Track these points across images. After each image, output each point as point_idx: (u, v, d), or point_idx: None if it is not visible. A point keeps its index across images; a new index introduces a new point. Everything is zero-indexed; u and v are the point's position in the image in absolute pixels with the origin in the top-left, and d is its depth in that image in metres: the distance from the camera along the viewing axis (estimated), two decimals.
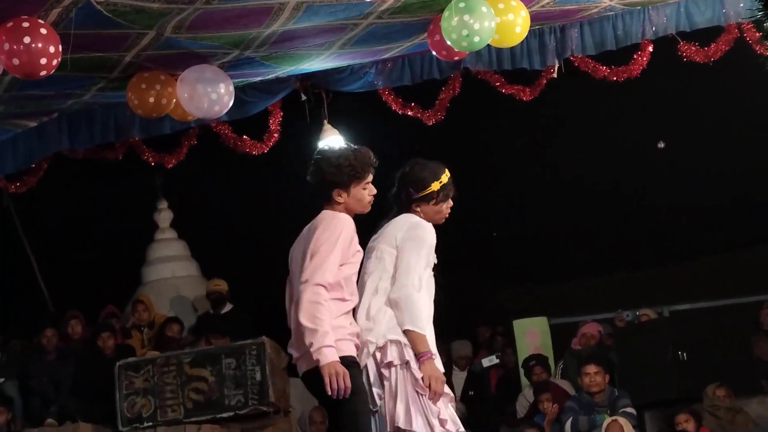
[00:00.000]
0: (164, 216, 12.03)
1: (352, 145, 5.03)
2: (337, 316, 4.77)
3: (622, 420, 8.56)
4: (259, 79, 8.84)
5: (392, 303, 4.85)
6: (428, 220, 5.00)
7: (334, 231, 4.79)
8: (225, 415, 9.55)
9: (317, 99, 9.24)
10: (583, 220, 12.14)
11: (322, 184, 4.91)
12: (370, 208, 4.97)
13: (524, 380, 10.22)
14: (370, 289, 4.94)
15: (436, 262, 5.03)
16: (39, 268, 11.80)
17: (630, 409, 8.91)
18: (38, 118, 9.00)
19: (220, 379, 9.61)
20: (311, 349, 4.64)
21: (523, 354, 10.52)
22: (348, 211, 4.94)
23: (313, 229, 4.85)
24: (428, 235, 4.96)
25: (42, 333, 10.47)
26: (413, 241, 4.92)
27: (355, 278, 4.89)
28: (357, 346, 4.82)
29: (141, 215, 12.01)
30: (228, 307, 11.18)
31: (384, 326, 4.84)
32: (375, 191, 4.95)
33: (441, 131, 9.15)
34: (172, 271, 11.88)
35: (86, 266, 12.04)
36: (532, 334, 10.83)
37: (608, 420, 8.60)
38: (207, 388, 9.64)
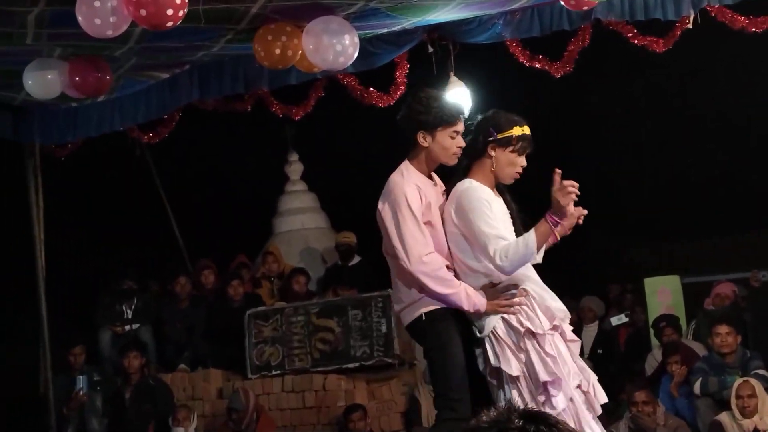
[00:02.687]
0: (295, 168, 12.16)
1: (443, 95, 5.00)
2: None
3: (753, 381, 8.32)
4: (385, 30, 8.78)
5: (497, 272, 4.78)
6: (498, 173, 4.86)
7: (400, 199, 4.73)
8: (351, 365, 9.66)
9: (444, 51, 9.13)
10: (720, 176, 11.79)
11: (409, 124, 4.86)
12: (456, 160, 4.88)
13: (654, 340, 10.03)
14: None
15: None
16: (174, 216, 12.08)
17: (762, 371, 8.64)
18: (170, 69, 9.15)
19: (347, 330, 9.71)
20: (467, 309, 4.71)
21: (653, 313, 10.31)
22: (431, 159, 4.86)
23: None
24: (480, 192, 4.82)
25: (176, 280, 10.75)
26: (469, 210, 4.79)
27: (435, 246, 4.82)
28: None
29: (272, 167, 12.16)
30: (356, 259, 11.27)
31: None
32: (463, 143, 4.86)
33: (569, 84, 8.95)
34: (302, 223, 12.02)
35: (219, 216, 12.29)
36: (663, 293, 10.60)
37: (739, 381, 8.36)
38: (333, 338, 9.76)
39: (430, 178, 4.97)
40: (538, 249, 4.76)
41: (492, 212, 4.79)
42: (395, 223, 4.72)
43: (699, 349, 9.53)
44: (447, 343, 4.77)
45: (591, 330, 10.85)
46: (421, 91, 4.96)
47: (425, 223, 4.76)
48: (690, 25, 8.56)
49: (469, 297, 4.71)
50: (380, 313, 9.59)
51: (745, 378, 8.41)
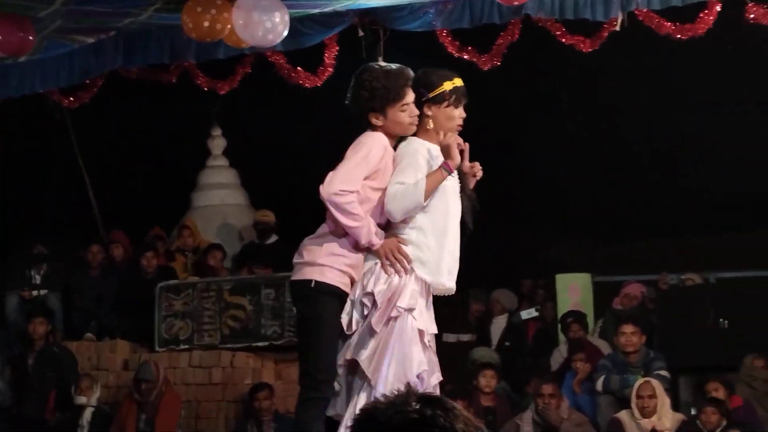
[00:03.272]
0: (218, 143, 12.06)
1: (391, 65, 4.95)
2: (342, 245, 4.79)
3: (654, 382, 8.49)
4: (317, 11, 8.76)
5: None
6: (439, 128, 4.89)
7: (364, 145, 4.77)
8: (260, 344, 9.65)
9: (374, 36, 9.13)
10: (636, 180, 11.98)
11: (358, 109, 4.86)
12: (413, 129, 4.90)
13: (561, 336, 10.17)
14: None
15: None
16: (90, 183, 11.90)
17: (664, 372, 8.82)
18: (96, 34, 9.02)
19: (258, 308, 9.69)
20: (363, 242, 4.72)
21: (563, 309, 10.46)
22: (388, 134, 4.88)
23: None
24: (417, 147, 4.87)
25: (88, 249, 10.62)
26: (397, 164, 4.84)
27: (378, 208, 4.84)
28: (351, 280, 4.82)
29: (195, 140, 12.05)
30: (273, 238, 11.22)
31: None
32: (416, 111, 4.86)
33: (496, 77, 9.01)
34: (221, 199, 11.93)
35: (137, 186, 12.15)
36: (574, 290, 10.76)
37: (641, 381, 8.52)
38: (244, 316, 9.73)
39: None
40: (429, 193, 4.76)
41: (419, 164, 4.82)
42: (346, 157, 4.77)
43: (604, 347, 9.70)
44: (326, 322, 4.75)
45: (500, 322, 10.97)
46: (362, 72, 4.91)
47: (377, 189, 4.79)
48: (618, 28, 8.67)
49: (369, 233, 4.73)
50: None
51: (646, 378, 8.57)
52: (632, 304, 10.18)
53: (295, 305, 5.08)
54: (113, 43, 9.06)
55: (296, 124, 11.51)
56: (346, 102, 4.93)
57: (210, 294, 9.87)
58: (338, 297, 4.79)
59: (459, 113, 4.93)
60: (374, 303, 4.75)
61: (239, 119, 11.77)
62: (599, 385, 8.91)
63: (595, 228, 12.22)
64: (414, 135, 4.94)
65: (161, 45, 8.91)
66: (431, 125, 4.89)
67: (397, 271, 4.77)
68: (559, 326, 10.17)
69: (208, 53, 8.94)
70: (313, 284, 4.77)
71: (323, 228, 4.87)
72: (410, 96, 4.85)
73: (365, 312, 4.78)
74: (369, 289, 4.77)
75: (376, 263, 4.81)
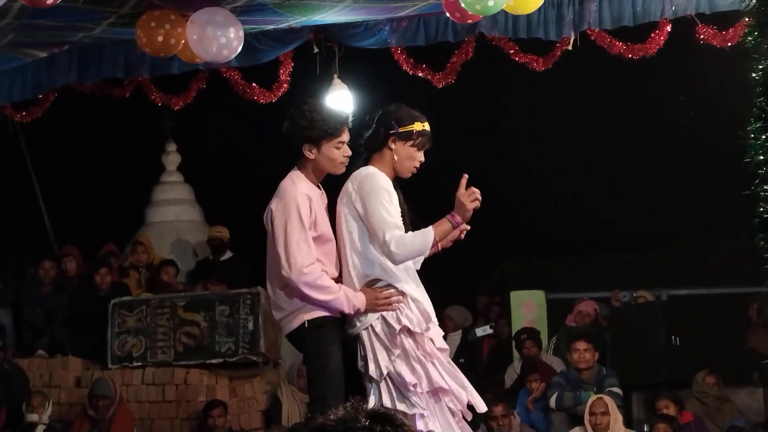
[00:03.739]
0: (172, 159, 12.01)
1: (330, 106, 5.03)
2: None
3: (607, 399, 8.53)
4: (272, 27, 8.76)
5: (386, 259, 4.82)
6: (397, 166, 4.91)
7: (291, 208, 4.75)
8: (214, 361, 9.59)
9: (329, 52, 9.16)
10: (590, 197, 12.07)
11: (294, 137, 4.86)
12: (343, 169, 4.93)
13: (516, 353, 10.21)
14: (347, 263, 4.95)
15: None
16: (43, 198, 11.80)
17: (616, 389, 8.88)
18: (49, 49, 8.95)
19: (213, 325, 9.63)
20: (347, 311, 4.77)
21: (517, 326, 10.52)
22: (318, 169, 4.90)
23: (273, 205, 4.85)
24: (382, 181, 4.88)
25: (40, 264, 10.51)
26: (370, 194, 4.85)
27: (323, 257, 4.87)
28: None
29: (149, 156, 11.99)
30: (228, 254, 11.19)
31: None
32: (349, 153, 4.90)
33: (450, 95, 9.06)
34: (175, 215, 11.87)
35: (90, 202, 12.06)
36: (528, 307, 10.81)
37: (594, 397, 8.57)
38: (199, 333, 9.67)
39: (318, 188, 4.99)
40: (433, 246, 4.81)
41: (391, 202, 4.84)
42: (283, 231, 4.74)
43: (557, 363, 9.75)
44: (327, 350, 4.81)
45: (454, 339, 10.98)
46: (303, 104, 4.96)
47: (315, 238, 4.80)
48: (570, 47, 8.76)
49: (348, 299, 4.77)
50: (248, 310, 9.54)
51: (599, 395, 8.62)
52: (585, 321, 10.24)
53: (300, 350, 5.10)
54: (66, 58, 9.00)
55: (251, 140, 11.50)
56: (283, 130, 4.93)
57: (164, 310, 9.80)
58: (332, 323, 4.85)
59: (420, 156, 4.99)
60: (406, 334, 4.79)
61: (194, 135, 11.74)
62: (552, 402, 8.95)
63: (549, 245, 12.30)
64: (368, 164, 4.96)
65: (115, 59, 8.87)
66: (393, 159, 4.91)
67: (394, 309, 4.80)
68: (513, 343, 10.21)
69: (162, 68, 8.91)
70: (306, 325, 4.84)
71: (271, 278, 4.91)
72: (346, 136, 4.90)
73: (399, 346, 4.80)
74: (402, 324, 4.78)
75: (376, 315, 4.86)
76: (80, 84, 9.32)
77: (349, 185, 4.92)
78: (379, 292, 4.81)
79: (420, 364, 4.75)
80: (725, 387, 9.14)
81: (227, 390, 9.63)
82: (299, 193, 4.77)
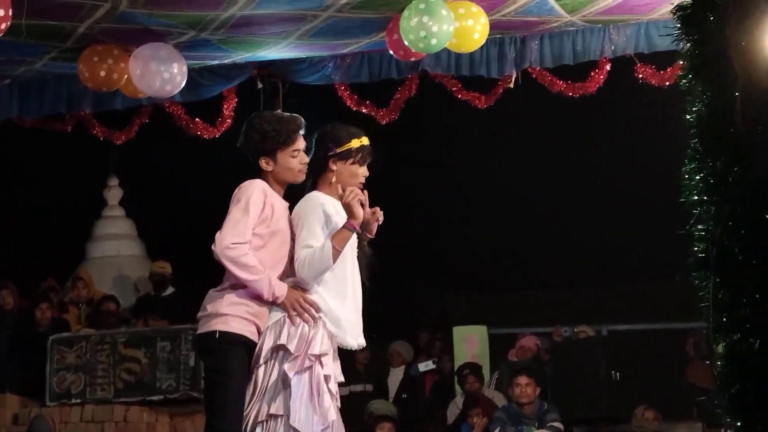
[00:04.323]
0: (114, 193, 11.93)
1: (284, 113, 5.00)
2: (244, 294, 4.75)
3: None
4: (216, 62, 8.80)
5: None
6: (342, 184, 4.90)
7: (243, 195, 4.76)
8: (155, 398, 9.49)
9: (273, 88, 9.20)
10: (530, 234, 12.18)
11: (250, 152, 4.87)
12: (303, 177, 4.91)
13: (458, 388, 10.23)
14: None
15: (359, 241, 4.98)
16: None
17: (557, 424, 8.91)
18: None
19: (154, 361, 9.55)
20: (266, 297, 4.70)
21: (460, 361, 10.53)
22: (279, 180, 4.89)
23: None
24: (320, 202, 4.89)
25: None
26: (299, 218, 4.87)
27: (272, 254, 4.82)
28: (257, 328, 4.78)
29: (90, 190, 11.90)
30: (170, 290, 11.10)
31: None
32: (306, 159, 4.88)
33: (394, 131, 9.13)
34: (117, 250, 11.78)
35: (30, 237, 11.92)
36: (470, 342, 10.85)
37: None
38: (139, 369, 9.58)
39: (283, 200, 4.99)
40: (337, 254, 4.78)
41: (323, 224, 4.85)
42: (228, 213, 4.74)
43: (500, 399, 9.78)
44: (233, 372, 4.67)
45: (397, 374, 10.98)
46: (255, 117, 4.97)
47: (270, 233, 4.78)
48: (512, 85, 8.89)
49: (271, 285, 4.72)
50: (189, 347, 9.46)
51: (540, 430, 8.66)
52: (527, 355, 10.29)
53: (200, 358, 5.07)
54: (7, 92, 8.97)
55: (194, 175, 11.46)
56: (238, 145, 4.95)
57: (104, 346, 9.70)
58: (244, 345, 4.73)
59: (363, 171, 4.98)
60: (285, 355, 4.72)
61: (136, 169, 11.68)
62: None
63: (491, 281, 12.38)
64: (315, 189, 4.97)
65: (58, 94, 8.84)
66: (334, 180, 4.92)
67: (305, 321, 4.76)
68: (456, 378, 10.23)
69: (105, 103, 8.90)
70: (217, 335, 4.71)
71: (224, 282, 4.83)
72: (301, 143, 4.89)
73: (276, 365, 4.74)
74: (281, 341, 4.74)
75: (283, 314, 4.81)
76: (20, 118, 9.25)
77: (295, 210, 4.94)
78: (304, 298, 4.77)
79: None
80: (664, 421, 9.23)
81: (168, 427, 9.53)
82: (257, 186, 4.79)
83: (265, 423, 4.73)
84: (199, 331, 4.82)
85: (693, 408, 9.63)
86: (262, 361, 4.76)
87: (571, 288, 11.95)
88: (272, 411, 4.69)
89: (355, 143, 4.94)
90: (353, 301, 4.92)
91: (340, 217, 4.88)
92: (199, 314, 4.84)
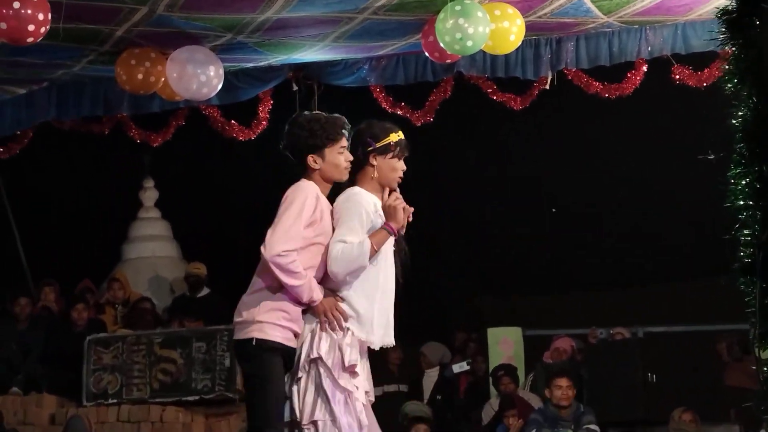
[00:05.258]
0: (149, 195, 12.00)
1: (321, 113, 5.02)
2: (280, 299, 4.79)
3: None
4: (251, 65, 8.83)
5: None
6: (382, 179, 4.97)
7: (296, 197, 4.78)
8: (190, 398, 9.53)
9: (308, 90, 9.23)
10: (566, 235, 12.13)
11: (296, 151, 4.87)
12: (347, 175, 4.94)
13: (493, 389, 10.21)
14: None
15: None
16: (20, 235, 11.75)
17: (594, 426, 8.88)
18: (28, 85, 8.98)
19: (189, 362, 9.60)
20: (305, 300, 4.74)
21: (494, 362, 10.50)
22: (325, 178, 4.93)
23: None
24: (361, 200, 4.93)
25: (16, 301, 10.44)
26: (341, 214, 4.89)
27: (312, 258, 4.83)
28: (294, 334, 4.83)
29: (126, 192, 11.97)
30: (205, 291, 11.15)
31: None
32: (351, 157, 4.91)
33: (429, 133, 9.13)
34: (152, 251, 11.85)
35: (67, 238, 12.01)
36: (505, 344, 10.82)
37: None
38: (175, 369, 9.63)
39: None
40: (374, 254, 4.84)
41: (363, 220, 4.88)
42: (280, 216, 4.75)
43: (535, 401, 9.75)
44: (271, 378, 4.73)
45: (432, 376, 10.97)
46: (299, 116, 4.99)
47: (315, 236, 4.81)
48: (547, 86, 8.86)
49: (310, 289, 4.77)
50: (225, 347, 9.51)
51: None
52: (562, 357, 10.25)
53: (239, 364, 5.09)
54: (46, 95, 9.03)
55: (229, 177, 11.51)
56: (281, 146, 4.94)
57: (140, 347, 9.76)
58: (281, 352, 4.79)
59: (401, 165, 5.04)
60: (321, 365, 4.80)
61: (172, 171, 11.74)
62: None
63: (526, 282, 12.34)
64: (354, 185, 5.00)
65: (95, 97, 8.90)
66: (375, 175, 4.97)
67: (332, 329, 4.81)
68: (491, 380, 10.21)
69: (142, 106, 8.95)
70: (254, 342, 4.76)
71: (258, 283, 4.85)
72: (345, 141, 4.92)
73: (313, 374, 4.82)
74: (315, 354, 4.80)
75: (316, 323, 4.85)
76: (59, 121, 9.33)
77: (334, 207, 4.98)
78: (336, 307, 4.81)
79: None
80: (702, 424, 9.16)
81: (203, 427, 9.57)
82: (311, 191, 4.81)
83: (307, 429, 4.80)
84: (236, 337, 4.87)
85: (730, 411, 9.57)
86: (300, 371, 4.84)
87: (607, 290, 11.88)
88: (315, 417, 4.78)
89: (393, 137, 5.01)
90: (384, 301, 4.96)
91: (378, 215, 4.92)
92: (235, 319, 4.88)
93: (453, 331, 11.80)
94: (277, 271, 4.71)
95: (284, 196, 4.85)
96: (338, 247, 4.82)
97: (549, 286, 12.26)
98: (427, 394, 10.83)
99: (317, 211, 4.82)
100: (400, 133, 5.06)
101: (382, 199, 4.98)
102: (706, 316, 10.67)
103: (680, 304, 11.15)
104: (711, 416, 9.34)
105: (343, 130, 4.91)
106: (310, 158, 4.88)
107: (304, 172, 4.91)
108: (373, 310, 4.91)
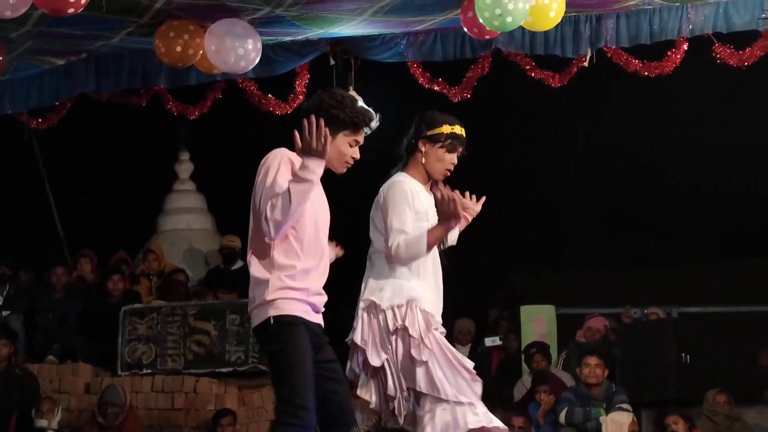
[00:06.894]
0: (185, 167, 12.04)
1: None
2: (287, 278, 4.61)
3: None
4: (289, 39, 8.81)
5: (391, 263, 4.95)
6: (427, 167, 5.03)
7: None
8: (224, 370, 9.61)
9: (345, 65, 9.20)
10: (601, 213, 12.07)
11: (313, 111, 4.62)
12: (344, 170, 4.75)
13: (525, 366, 10.21)
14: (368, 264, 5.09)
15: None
16: (56, 205, 11.84)
17: (626, 405, 8.87)
18: (66, 57, 9.01)
19: (223, 334, 9.66)
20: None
21: (527, 340, 10.50)
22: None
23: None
24: (405, 188, 4.98)
25: (52, 270, 10.53)
26: (389, 202, 4.97)
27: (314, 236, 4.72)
28: (311, 306, 4.67)
29: (162, 164, 12.02)
30: (239, 264, 11.18)
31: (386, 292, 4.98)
32: (358, 156, 4.73)
33: (465, 109, 9.08)
34: (187, 223, 11.90)
35: (103, 209, 12.09)
36: (538, 322, 10.81)
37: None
38: (209, 341, 9.69)
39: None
40: (429, 248, 4.94)
41: (411, 207, 4.96)
42: (262, 178, 4.71)
43: (567, 379, 9.74)
44: (295, 349, 4.54)
45: (464, 352, 10.98)
46: (335, 89, 4.96)
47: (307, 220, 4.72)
48: (586, 64, 8.79)
49: (293, 192, 4.63)
50: None
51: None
52: (595, 337, 10.23)
53: (263, 347, 5.06)
54: (84, 66, 9.05)
55: (264, 150, 11.48)
56: (304, 104, 4.84)
57: (175, 318, 9.83)
58: (300, 324, 4.60)
59: (450, 158, 5.07)
60: (406, 335, 4.91)
61: (207, 144, 11.77)
62: (562, 417, 8.94)
63: (560, 260, 12.31)
64: (404, 170, 5.08)
65: (133, 69, 8.92)
66: (424, 161, 5.03)
67: (318, 137, 4.50)
68: (523, 357, 10.21)
69: (179, 79, 8.96)
70: (271, 321, 4.58)
71: (261, 272, 4.67)
72: (362, 137, 4.79)
73: (401, 344, 4.94)
74: (400, 324, 4.90)
75: (390, 303, 4.96)
76: (97, 92, 9.36)
77: (381, 191, 5.06)
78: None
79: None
80: (736, 405, 9.13)
81: (236, 399, 9.65)
82: (284, 154, 4.79)
83: (412, 397, 4.98)
84: (254, 325, 4.69)
85: (764, 392, 9.52)
86: (388, 344, 4.94)
87: (641, 269, 11.84)
88: (418, 387, 4.95)
89: (446, 129, 5.06)
90: (435, 285, 5.06)
91: (419, 200, 4.94)
92: (250, 307, 4.72)
93: (485, 308, 11.79)
94: (272, 226, 4.55)
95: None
96: (401, 237, 4.91)
97: (583, 264, 12.24)
98: None
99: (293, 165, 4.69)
100: (458, 128, 5.09)
101: (430, 189, 5.03)
102: (743, 296, 10.61)
103: (716, 284, 11.09)
104: (745, 397, 9.31)
105: (367, 127, 4.71)
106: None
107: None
108: (430, 293, 5.00)
